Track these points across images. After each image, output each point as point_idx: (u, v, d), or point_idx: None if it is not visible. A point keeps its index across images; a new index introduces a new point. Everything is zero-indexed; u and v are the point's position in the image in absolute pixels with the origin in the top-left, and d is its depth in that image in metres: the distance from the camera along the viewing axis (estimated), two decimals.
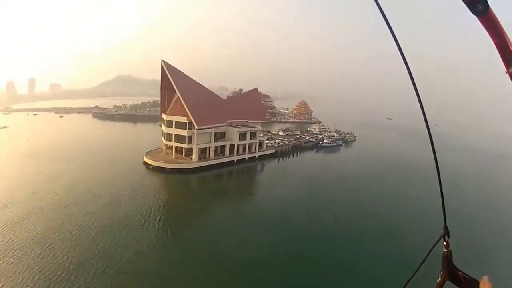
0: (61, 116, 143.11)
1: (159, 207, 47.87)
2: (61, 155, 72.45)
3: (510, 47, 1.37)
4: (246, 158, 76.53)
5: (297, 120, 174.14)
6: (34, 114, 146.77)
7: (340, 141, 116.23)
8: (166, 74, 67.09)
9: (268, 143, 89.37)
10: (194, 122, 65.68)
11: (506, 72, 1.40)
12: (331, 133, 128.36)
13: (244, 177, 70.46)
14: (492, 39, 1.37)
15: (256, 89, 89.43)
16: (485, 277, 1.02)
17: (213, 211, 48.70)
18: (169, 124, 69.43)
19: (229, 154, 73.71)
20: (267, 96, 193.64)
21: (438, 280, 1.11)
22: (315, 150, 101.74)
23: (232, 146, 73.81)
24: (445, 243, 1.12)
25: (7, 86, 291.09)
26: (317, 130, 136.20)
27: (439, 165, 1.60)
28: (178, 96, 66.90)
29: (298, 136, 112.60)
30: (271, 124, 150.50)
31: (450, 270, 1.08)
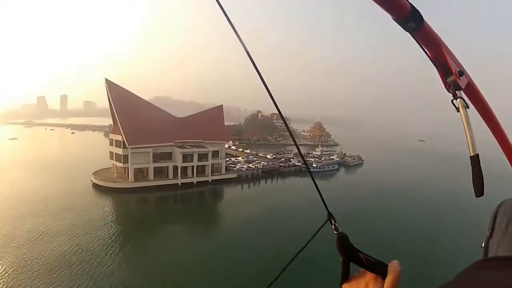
0: (73, 133, 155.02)
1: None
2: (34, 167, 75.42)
3: (448, 60, 1.28)
4: (195, 182, 69.40)
5: (309, 143, 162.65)
6: (51, 129, 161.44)
7: (336, 165, 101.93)
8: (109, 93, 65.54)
9: (234, 167, 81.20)
10: (125, 141, 61.88)
11: (444, 86, 1.32)
12: (331, 157, 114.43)
13: (174, 204, 62.29)
14: (429, 53, 1.29)
15: (220, 106, 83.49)
16: (395, 262, 0.96)
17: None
18: (111, 142, 67.17)
19: (173, 176, 67.65)
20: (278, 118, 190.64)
21: (341, 260, 1.09)
22: (299, 176, 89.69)
23: (176, 168, 67.74)
24: (333, 226, 1.13)
25: (38, 100, 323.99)
26: (318, 153, 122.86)
27: None
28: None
29: (284, 159, 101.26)
30: (279, 146, 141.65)
31: (348, 251, 1.05)
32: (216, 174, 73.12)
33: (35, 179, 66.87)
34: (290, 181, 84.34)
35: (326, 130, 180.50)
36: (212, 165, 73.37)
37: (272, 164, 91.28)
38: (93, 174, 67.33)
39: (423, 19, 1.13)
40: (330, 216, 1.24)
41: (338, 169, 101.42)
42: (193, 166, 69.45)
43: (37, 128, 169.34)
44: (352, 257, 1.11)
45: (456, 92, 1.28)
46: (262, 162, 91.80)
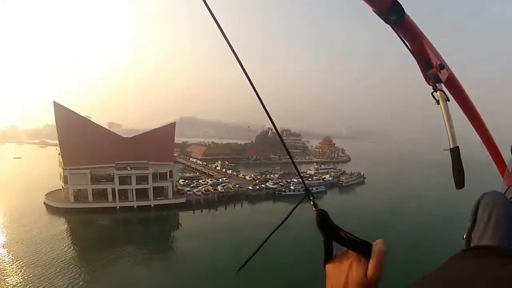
0: None
1: None
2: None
3: (429, 53, 1.30)
4: (135, 206, 67.09)
5: (317, 160, 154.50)
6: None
7: (323, 186, 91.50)
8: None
9: (190, 191, 77.52)
10: (62, 161, 62.64)
11: (424, 79, 1.34)
12: (324, 176, 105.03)
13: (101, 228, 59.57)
14: (410, 46, 1.32)
15: (172, 124, 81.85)
16: (379, 241, 0.94)
17: None
18: (60, 163, 68.66)
19: (113, 199, 66.34)
20: (294, 134, 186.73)
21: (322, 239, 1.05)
22: (272, 201, 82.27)
23: (114, 190, 66.44)
24: (311, 202, 1.11)
25: None
26: (312, 171, 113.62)
27: None
28: None
29: (258, 181, 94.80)
30: (281, 165, 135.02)
31: (329, 229, 1.02)
32: (159, 198, 70.02)
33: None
34: (258, 207, 77.53)
35: (336, 145, 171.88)
36: (158, 188, 70.79)
37: (239, 187, 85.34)
38: (47, 193, 68.71)
39: (404, 12, 1.12)
40: (308, 193, 1.22)
41: (325, 191, 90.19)
42: (132, 189, 67.64)
43: (50, 148, 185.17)
44: (334, 235, 1.05)
45: (437, 85, 1.29)
46: (232, 185, 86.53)
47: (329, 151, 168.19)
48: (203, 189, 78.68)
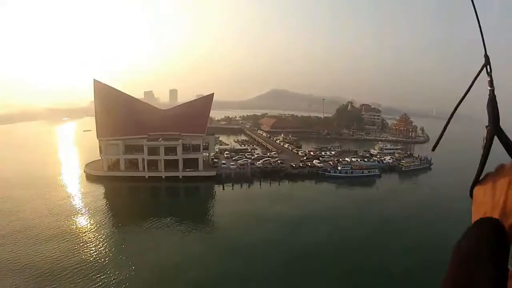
0: None
1: None
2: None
3: None
4: (163, 177, 65.90)
5: (392, 138, 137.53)
6: None
7: (376, 170, 76.68)
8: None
9: (223, 164, 72.70)
10: (96, 134, 65.27)
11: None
12: (385, 157, 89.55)
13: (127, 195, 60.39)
14: None
15: (210, 96, 76.75)
16: None
17: None
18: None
19: (142, 169, 66.48)
20: (373, 110, 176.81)
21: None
22: (314, 180, 71.67)
23: (144, 160, 66.24)
24: (488, 78, 0.86)
25: (145, 95, 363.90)
26: (375, 150, 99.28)
27: None
28: None
29: (306, 158, 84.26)
30: (349, 142, 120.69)
31: (497, 118, 0.85)
32: (188, 170, 67.04)
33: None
34: (298, 186, 68.29)
35: (413, 124, 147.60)
36: (192, 159, 68.05)
37: (280, 163, 76.38)
38: (88, 163, 73.21)
39: None
40: (487, 62, 0.92)
41: (379, 175, 75.40)
42: (164, 160, 66.25)
43: None
44: (501, 134, 0.84)
45: None
46: (274, 160, 78.22)
47: (405, 130, 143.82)
48: (239, 163, 72.66)
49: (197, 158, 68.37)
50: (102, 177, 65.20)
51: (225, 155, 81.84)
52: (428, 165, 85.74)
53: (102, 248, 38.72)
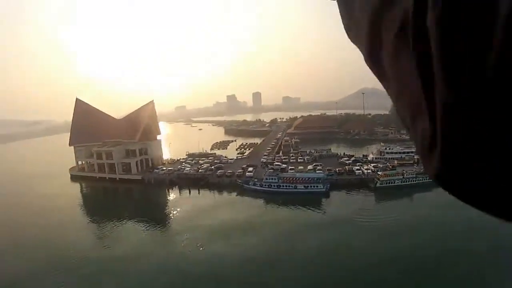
0: (200, 129, 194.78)
1: None
2: None
3: None
4: (107, 178, 78.68)
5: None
6: (199, 128, 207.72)
7: (319, 185, 59.63)
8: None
9: (156, 169, 77.92)
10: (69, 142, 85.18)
11: None
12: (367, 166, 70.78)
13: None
14: None
15: (149, 104, 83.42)
16: None
17: None
18: None
19: (98, 171, 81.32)
20: None
21: None
22: (236, 192, 64.51)
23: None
24: None
25: (228, 99, 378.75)
26: (373, 155, 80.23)
27: None
28: None
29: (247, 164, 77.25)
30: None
31: None
32: (122, 173, 77.15)
33: None
34: (219, 198, 63.89)
35: None
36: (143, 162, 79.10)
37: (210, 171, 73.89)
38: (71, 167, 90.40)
39: None
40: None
41: (325, 192, 58.41)
42: (110, 164, 78.79)
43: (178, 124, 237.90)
44: None
45: None
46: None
47: None
48: (167, 169, 76.76)
49: (130, 163, 77.51)
50: (81, 177, 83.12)
51: (181, 160, 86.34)
52: (423, 179, 59.79)
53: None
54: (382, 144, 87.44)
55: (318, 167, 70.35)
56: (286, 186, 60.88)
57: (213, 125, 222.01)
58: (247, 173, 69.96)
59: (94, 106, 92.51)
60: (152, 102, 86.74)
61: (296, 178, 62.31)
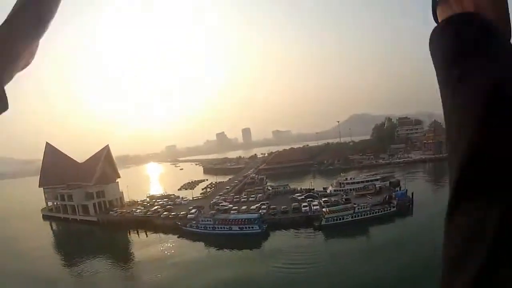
0: (181, 169, 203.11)
1: None
2: None
3: None
4: (70, 218, 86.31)
5: (422, 157, 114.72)
6: (180, 168, 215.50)
7: (255, 226, 57.90)
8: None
9: (111, 211, 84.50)
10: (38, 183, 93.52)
11: None
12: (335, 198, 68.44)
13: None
14: None
15: (104, 148, 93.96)
16: None
17: None
18: None
19: (62, 212, 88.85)
20: (410, 122, 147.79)
21: None
22: (178, 235, 65.68)
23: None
24: None
25: (217, 137, 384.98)
26: (330, 188, 77.76)
27: None
28: None
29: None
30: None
31: None
32: (82, 214, 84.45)
33: None
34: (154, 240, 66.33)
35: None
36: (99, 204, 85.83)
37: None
38: (43, 208, 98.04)
39: None
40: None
41: (260, 233, 56.64)
42: (72, 205, 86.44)
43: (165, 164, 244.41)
44: None
45: None
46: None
47: (434, 142, 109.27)
48: (120, 212, 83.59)
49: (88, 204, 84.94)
50: (51, 217, 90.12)
51: (138, 202, 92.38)
52: (390, 208, 56.68)
53: None
54: (341, 174, 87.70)
55: (262, 207, 68.42)
56: (220, 227, 61.78)
57: (196, 164, 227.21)
58: (188, 215, 72.59)
59: (62, 151, 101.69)
60: (107, 146, 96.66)
61: (230, 220, 63.26)
